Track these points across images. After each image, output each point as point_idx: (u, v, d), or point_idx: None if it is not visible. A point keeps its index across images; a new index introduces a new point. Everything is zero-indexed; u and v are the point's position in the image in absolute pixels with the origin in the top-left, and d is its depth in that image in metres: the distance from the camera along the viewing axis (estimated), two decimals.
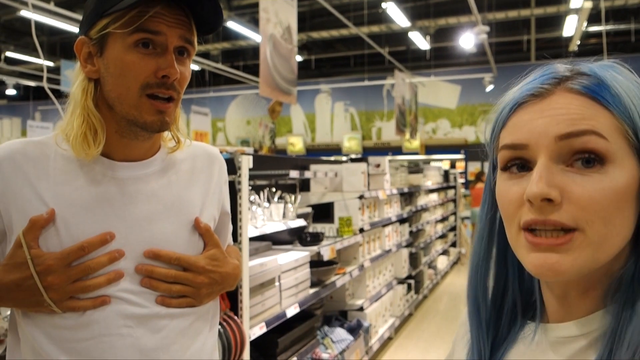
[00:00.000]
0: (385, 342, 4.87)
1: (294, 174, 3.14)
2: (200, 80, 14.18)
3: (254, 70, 13.35)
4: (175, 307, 1.03)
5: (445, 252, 8.56)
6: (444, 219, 8.64)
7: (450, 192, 9.45)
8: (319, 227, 3.69)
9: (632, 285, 0.57)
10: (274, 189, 3.08)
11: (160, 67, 0.97)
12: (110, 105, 1.00)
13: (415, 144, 14.40)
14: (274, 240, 3.20)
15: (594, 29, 12.15)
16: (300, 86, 9.95)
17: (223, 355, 2.07)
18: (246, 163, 2.33)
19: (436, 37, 12.95)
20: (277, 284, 2.67)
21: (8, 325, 1.09)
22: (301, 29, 10.17)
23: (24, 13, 9.40)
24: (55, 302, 0.95)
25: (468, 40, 10.03)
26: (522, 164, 0.59)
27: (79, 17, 8.66)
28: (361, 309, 4.14)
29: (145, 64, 0.96)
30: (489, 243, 0.68)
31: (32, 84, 14.18)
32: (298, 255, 2.94)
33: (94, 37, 0.98)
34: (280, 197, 3.05)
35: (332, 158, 7.44)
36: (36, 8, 7.87)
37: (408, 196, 6.06)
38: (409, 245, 5.78)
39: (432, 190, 7.63)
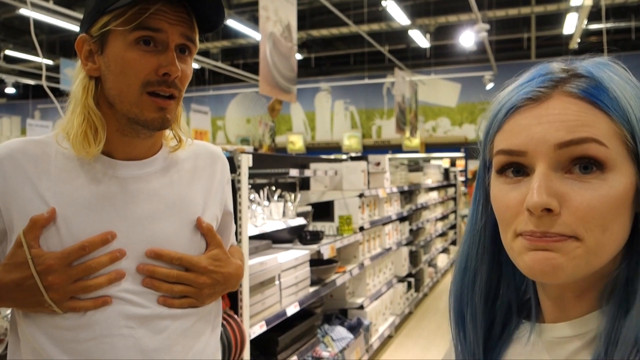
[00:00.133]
0: (386, 341, 4.87)
1: (293, 172, 3.14)
2: (200, 78, 14.16)
3: (254, 68, 13.33)
4: (177, 307, 1.03)
5: (445, 250, 8.56)
6: (444, 217, 8.64)
7: (451, 190, 9.45)
8: (319, 226, 3.69)
9: (626, 286, 0.57)
10: (273, 188, 3.07)
11: (161, 64, 0.96)
12: (111, 103, 1.00)
13: (415, 142, 14.40)
14: (274, 239, 3.20)
15: (594, 26, 12.14)
16: (300, 84, 9.95)
17: (223, 354, 2.07)
18: (246, 162, 2.32)
19: (436, 35, 12.94)
20: (277, 282, 2.67)
21: (9, 326, 1.09)
22: (301, 27, 10.17)
23: (23, 11, 9.38)
24: (56, 303, 0.94)
25: (468, 38, 10.02)
26: (517, 169, 0.59)
27: (78, 15, 8.68)
28: (361, 307, 4.14)
29: (146, 62, 0.95)
30: (481, 242, 0.68)
31: (31, 82, 14.17)
32: (298, 253, 2.94)
33: (95, 34, 0.98)
34: (280, 196, 3.05)
35: (332, 156, 7.43)
36: (35, 6, 7.86)
37: (408, 194, 6.06)
38: (409, 243, 5.78)
39: (432, 189, 7.63)
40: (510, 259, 0.61)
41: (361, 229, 3.97)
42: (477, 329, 0.68)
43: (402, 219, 5.50)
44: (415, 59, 14.30)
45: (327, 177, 4.07)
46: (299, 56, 13.45)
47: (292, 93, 5.13)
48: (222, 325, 2.09)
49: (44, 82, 2.67)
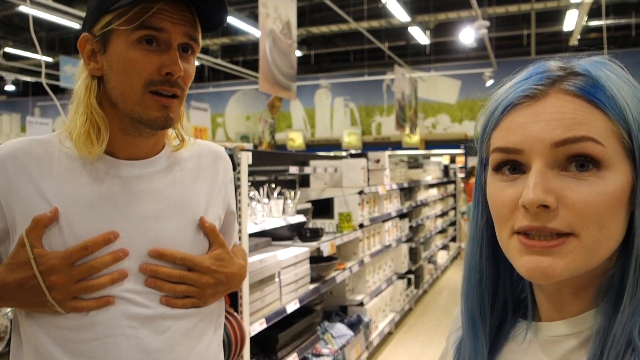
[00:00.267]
0: (386, 337, 4.88)
1: (293, 169, 3.14)
2: (199, 75, 14.16)
3: (254, 65, 13.32)
4: (180, 307, 1.02)
5: (445, 247, 8.57)
6: (443, 214, 8.66)
7: (450, 187, 9.46)
8: (318, 223, 3.70)
9: (622, 285, 0.57)
10: (273, 185, 3.07)
11: (164, 64, 0.96)
12: (114, 103, 0.99)
13: (415, 139, 14.38)
14: (274, 236, 3.20)
15: (594, 23, 12.12)
16: (300, 81, 9.93)
17: (223, 351, 2.07)
18: (245, 159, 2.33)
19: (436, 32, 12.91)
20: (277, 279, 2.67)
21: (11, 326, 1.09)
22: (300, 24, 10.14)
23: (23, 8, 9.36)
24: (59, 302, 0.94)
25: (468, 35, 10.00)
26: (514, 167, 0.59)
27: (78, 12, 8.66)
28: (361, 304, 4.15)
29: (148, 61, 0.95)
30: (482, 242, 0.68)
31: (31, 79, 14.15)
32: (298, 251, 2.94)
33: (97, 34, 0.97)
34: (280, 193, 3.05)
35: (332, 153, 7.43)
36: (34, 3, 7.84)
37: (408, 191, 6.06)
38: (408, 240, 5.78)
39: (431, 185, 7.64)
40: (507, 258, 0.61)
41: (361, 226, 3.97)
42: (486, 328, 0.68)
43: (401, 215, 5.50)
44: (415, 56, 14.28)
45: (327, 174, 4.07)
46: (298, 53, 13.41)
47: (291, 90, 5.13)
48: None
49: (43, 80, 2.67)
